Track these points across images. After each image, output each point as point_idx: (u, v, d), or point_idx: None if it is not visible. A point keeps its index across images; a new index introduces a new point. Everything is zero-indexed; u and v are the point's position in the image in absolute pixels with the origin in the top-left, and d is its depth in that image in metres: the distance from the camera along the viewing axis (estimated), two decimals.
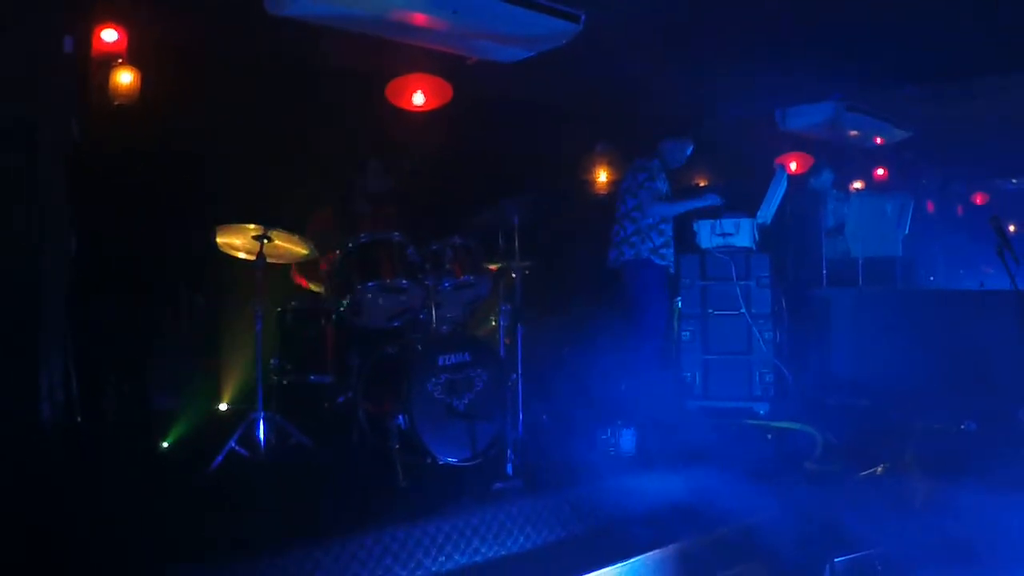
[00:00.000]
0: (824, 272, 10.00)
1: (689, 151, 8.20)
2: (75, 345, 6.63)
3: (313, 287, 7.47)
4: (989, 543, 5.43)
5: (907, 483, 6.69)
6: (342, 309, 6.68)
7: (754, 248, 8.35)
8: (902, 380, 8.74)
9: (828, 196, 10.34)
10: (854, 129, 11.90)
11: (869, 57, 8.91)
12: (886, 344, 9.26)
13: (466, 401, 6.15)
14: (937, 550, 5.35)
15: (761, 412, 8.13)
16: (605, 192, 10.71)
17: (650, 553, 5.08)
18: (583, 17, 7.32)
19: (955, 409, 7.87)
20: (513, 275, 6.43)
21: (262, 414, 6.24)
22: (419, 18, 7.06)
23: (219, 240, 6.52)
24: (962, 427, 7.69)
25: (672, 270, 8.19)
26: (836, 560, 5.19)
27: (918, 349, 8.89)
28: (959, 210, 16.43)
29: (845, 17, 7.75)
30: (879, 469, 6.92)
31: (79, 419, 6.60)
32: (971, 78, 9.99)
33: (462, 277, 6.70)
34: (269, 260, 6.54)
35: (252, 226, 6.31)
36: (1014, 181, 16.83)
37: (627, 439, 6.56)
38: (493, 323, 7.51)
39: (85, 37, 6.90)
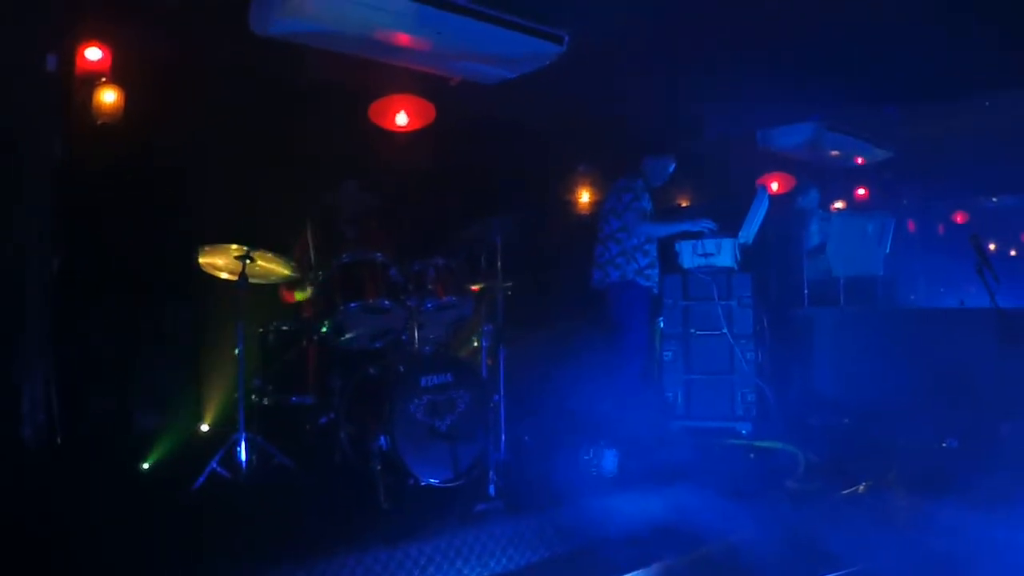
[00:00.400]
0: (806, 292, 10.03)
1: (671, 168, 8.23)
2: (57, 365, 6.62)
3: (299, 296, 7.44)
4: (972, 560, 5.45)
5: (890, 501, 6.71)
6: (324, 330, 6.68)
7: (736, 268, 8.38)
8: (884, 398, 8.76)
9: (813, 215, 10.39)
10: (835, 149, 11.97)
11: (850, 77, 8.97)
12: (868, 363, 9.28)
13: (448, 422, 6.14)
14: (921, 567, 5.36)
15: (743, 432, 8.14)
16: (588, 212, 10.75)
17: (633, 573, 5.08)
18: (566, 38, 7.35)
19: (937, 427, 7.90)
20: (495, 295, 6.43)
21: (244, 435, 6.21)
22: (403, 38, 7.09)
23: (202, 260, 6.50)
24: (944, 444, 7.72)
25: (656, 291, 8.22)
26: None
27: (900, 367, 8.91)
28: (940, 229, 16.52)
29: (825, 38, 7.81)
30: (861, 487, 6.94)
31: (60, 440, 6.58)
32: (951, 98, 10.06)
33: (444, 298, 6.70)
34: (252, 280, 6.52)
35: (234, 246, 6.29)
36: (994, 199, 16.92)
37: (609, 459, 6.56)
38: (476, 344, 7.51)
39: (69, 55, 6.90)
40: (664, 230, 8.14)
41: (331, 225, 7.64)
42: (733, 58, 8.20)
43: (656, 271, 8.08)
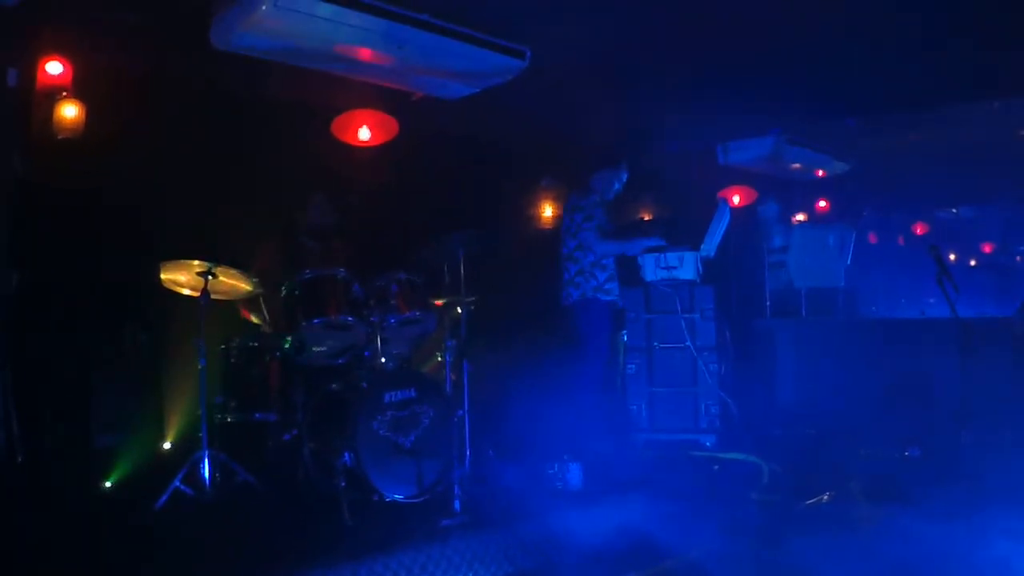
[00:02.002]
0: (768, 303, 10.11)
1: (624, 177, 8.26)
2: (15, 384, 6.56)
3: (254, 319, 7.41)
4: (933, 569, 5.50)
5: (852, 511, 6.76)
6: (287, 346, 6.65)
7: (698, 281, 8.43)
8: (847, 408, 8.84)
9: (774, 227, 10.47)
10: (796, 162, 12.04)
11: (809, 90, 9.03)
12: (830, 373, 9.36)
13: (412, 438, 6.14)
14: None
15: (707, 444, 8.18)
16: (551, 226, 10.75)
17: None
18: (528, 53, 7.36)
19: (899, 436, 7.96)
20: (459, 310, 6.44)
21: (207, 452, 6.19)
22: (364, 53, 7.07)
23: (163, 276, 6.47)
24: (906, 453, 7.78)
25: (619, 303, 8.25)
26: None
27: (862, 377, 9.00)
28: (900, 240, 16.67)
29: (785, 52, 7.86)
30: (825, 497, 6.98)
31: (20, 459, 6.52)
32: (910, 110, 10.15)
33: (407, 313, 6.71)
34: (213, 296, 6.49)
35: (196, 262, 6.27)
36: (954, 211, 17.11)
37: (574, 473, 6.57)
38: (439, 359, 7.50)
39: (30, 69, 6.84)
40: (621, 248, 8.17)
41: (293, 239, 7.62)
42: (693, 72, 8.24)
43: (615, 284, 8.11)
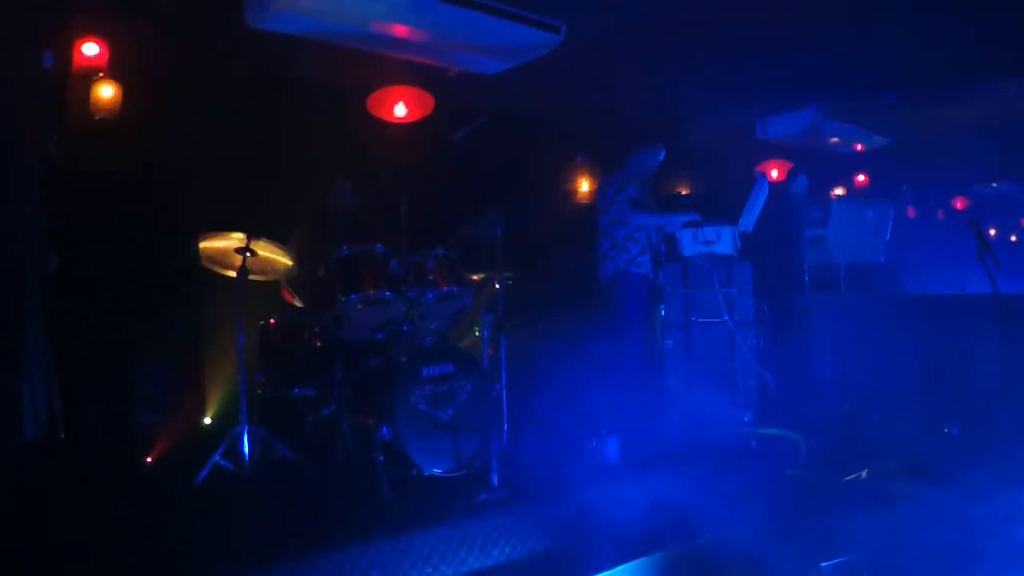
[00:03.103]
0: (806, 279, 10.02)
1: (661, 156, 8.27)
2: (57, 362, 6.62)
3: (296, 302, 7.45)
4: (971, 548, 5.46)
5: (890, 487, 6.72)
6: (325, 322, 6.68)
7: (736, 256, 8.37)
8: (885, 385, 8.75)
9: (806, 202, 10.37)
10: (834, 136, 11.96)
11: (849, 64, 8.96)
12: (869, 349, 9.27)
13: (450, 412, 6.16)
14: (919, 555, 5.37)
15: (745, 419, 8.14)
16: (586, 202, 10.72)
17: (636, 561, 5.09)
18: (564, 28, 7.34)
19: (938, 414, 7.89)
20: (496, 286, 6.44)
21: (246, 428, 6.22)
22: (400, 30, 7.07)
23: (202, 252, 6.50)
24: (945, 431, 7.72)
25: (652, 277, 8.25)
26: (822, 565, 5.21)
27: (901, 354, 8.90)
28: (939, 215, 16.50)
29: (825, 25, 7.79)
30: (863, 474, 6.95)
31: (62, 436, 6.59)
32: (951, 85, 10.04)
33: (445, 288, 6.72)
34: (251, 277, 6.53)
35: (236, 235, 6.30)
36: (994, 185, 16.89)
37: (611, 448, 6.57)
38: (477, 334, 7.51)
39: (66, 51, 6.88)
40: (654, 220, 8.17)
41: (328, 220, 7.64)
42: (731, 46, 8.18)
43: (648, 257, 8.12)
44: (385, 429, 5.92)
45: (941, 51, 8.56)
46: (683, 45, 8.17)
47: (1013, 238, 17.23)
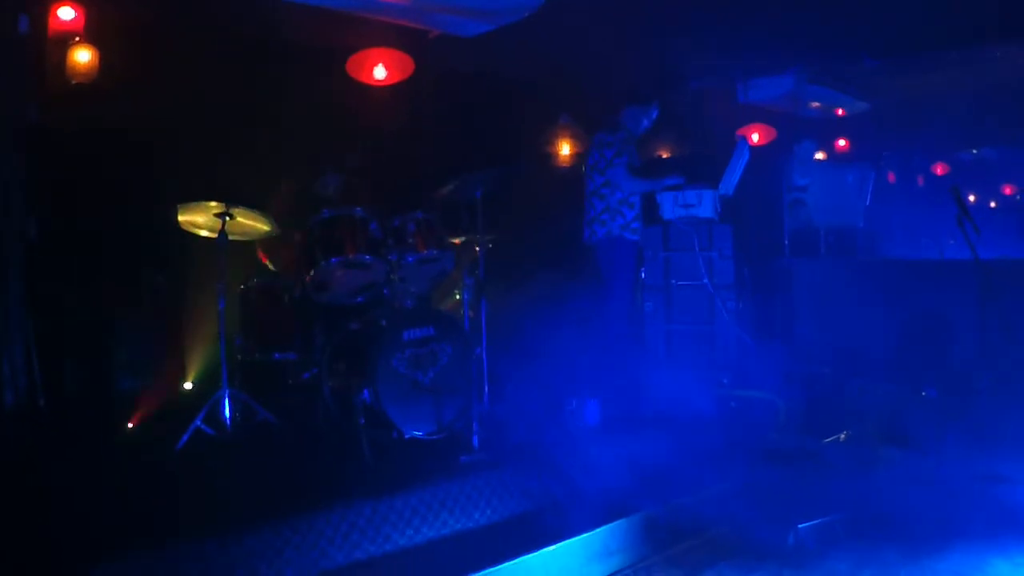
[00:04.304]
0: (786, 242, 10.06)
1: (655, 115, 8.14)
2: (37, 329, 6.59)
3: (270, 265, 7.42)
4: (950, 508, 5.52)
5: (869, 450, 6.78)
6: (305, 286, 6.67)
7: (717, 219, 8.39)
8: (864, 348, 8.81)
9: (802, 166, 10.40)
10: (815, 101, 11.95)
11: (832, 28, 8.94)
12: (848, 313, 9.32)
13: (431, 375, 6.17)
14: (896, 516, 5.43)
15: (724, 381, 8.18)
16: (568, 164, 10.70)
17: (616, 523, 5.12)
18: None
19: (917, 376, 7.95)
20: (477, 249, 6.43)
21: (227, 392, 6.23)
22: None
23: (181, 218, 6.48)
24: (923, 394, 7.77)
25: (642, 243, 8.25)
26: (800, 526, 5.25)
27: (880, 317, 8.96)
28: (920, 180, 16.53)
29: None
30: (841, 436, 7.00)
31: (42, 403, 6.57)
32: (932, 50, 10.04)
33: (425, 251, 6.71)
34: (231, 237, 6.50)
35: (214, 203, 6.27)
36: (974, 151, 16.93)
37: (591, 410, 6.61)
38: (457, 297, 7.51)
39: (41, 16, 6.80)
40: (647, 185, 8.10)
41: (309, 183, 7.59)
42: (715, 6, 8.14)
43: (640, 223, 8.06)
44: (366, 392, 5.91)
45: (923, 16, 8.54)
46: (665, 6, 8.12)
47: (993, 204, 17.29)
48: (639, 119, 8.04)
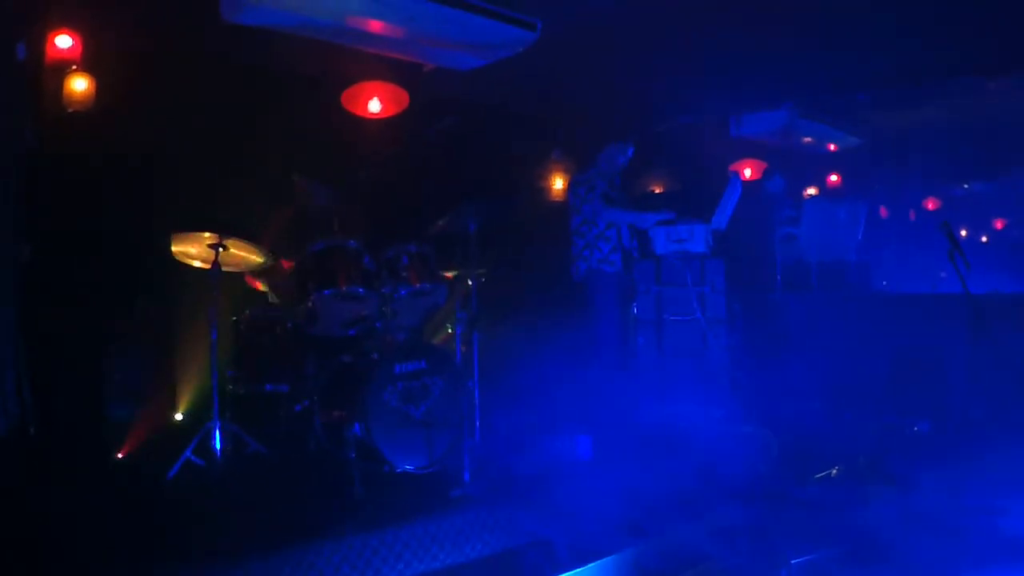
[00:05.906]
0: (779, 277, 10.07)
1: (630, 152, 8.38)
2: (28, 355, 6.58)
3: (260, 287, 7.42)
4: (939, 543, 5.51)
5: (860, 485, 6.77)
6: (298, 318, 6.66)
7: (709, 253, 8.40)
8: (857, 383, 8.82)
9: (782, 202, 10.43)
10: (808, 136, 12.01)
11: (823, 64, 9.00)
12: (840, 347, 9.33)
13: (423, 409, 6.16)
14: (890, 552, 5.42)
15: (716, 416, 8.16)
16: (561, 198, 10.72)
17: (608, 558, 5.10)
18: (539, 25, 7.33)
19: (908, 411, 7.96)
20: (469, 282, 6.44)
21: (218, 423, 6.22)
22: (375, 25, 7.05)
23: (174, 249, 6.49)
24: (915, 428, 7.78)
25: (624, 274, 8.29)
26: (792, 562, 5.24)
27: (872, 352, 8.97)
28: (911, 215, 16.60)
29: (799, 25, 7.82)
30: (833, 471, 6.99)
31: (33, 431, 6.55)
32: (923, 85, 10.10)
33: (418, 284, 6.72)
34: (224, 268, 6.51)
35: (207, 234, 6.28)
36: (965, 186, 17.01)
37: (583, 445, 6.59)
38: (450, 330, 7.51)
39: (39, 43, 6.82)
40: (631, 217, 8.21)
41: (302, 211, 7.60)
42: (705, 45, 8.20)
43: (619, 255, 8.16)
44: (357, 425, 5.91)
45: (914, 52, 8.61)
46: (659, 42, 8.18)
47: (984, 239, 17.35)
48: (614, 157, 8.34)
